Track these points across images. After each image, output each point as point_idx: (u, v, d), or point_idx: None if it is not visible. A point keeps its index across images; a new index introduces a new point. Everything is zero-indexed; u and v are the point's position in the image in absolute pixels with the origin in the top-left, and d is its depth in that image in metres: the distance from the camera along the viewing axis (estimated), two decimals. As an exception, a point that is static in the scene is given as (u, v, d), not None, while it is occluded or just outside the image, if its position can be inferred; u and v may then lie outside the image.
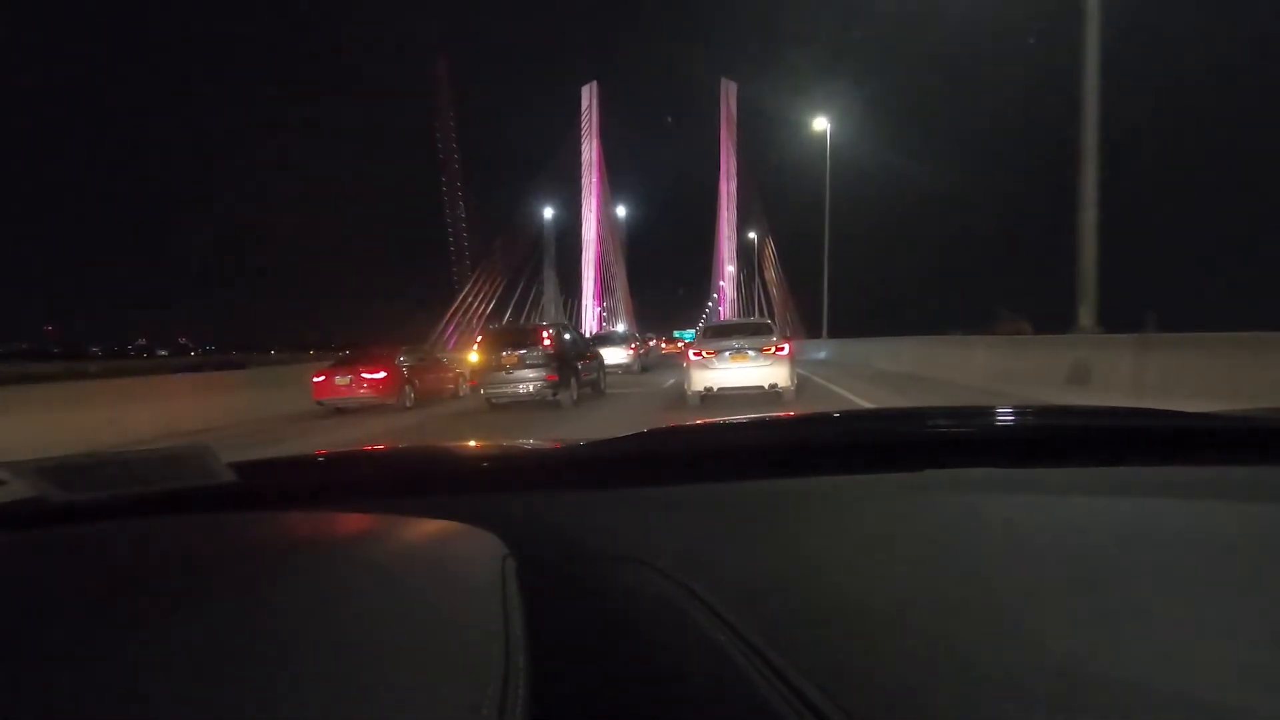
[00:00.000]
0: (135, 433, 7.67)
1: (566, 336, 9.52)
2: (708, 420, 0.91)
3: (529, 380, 8.39)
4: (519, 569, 0.49)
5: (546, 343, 8.65)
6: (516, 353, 8.51)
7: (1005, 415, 0.85)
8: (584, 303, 59.56)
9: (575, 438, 0.81)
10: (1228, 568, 0.48)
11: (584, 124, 56.07)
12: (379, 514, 0.61)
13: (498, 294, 45.29)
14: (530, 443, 0.88)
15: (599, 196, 58.77)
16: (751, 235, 53.08)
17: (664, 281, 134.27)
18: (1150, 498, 0.60)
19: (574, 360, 9.22)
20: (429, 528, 0.57)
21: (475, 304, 42.26)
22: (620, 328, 53.22)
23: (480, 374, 9.04)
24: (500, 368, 8.53)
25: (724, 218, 60.35)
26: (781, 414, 1.14)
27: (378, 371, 9.72)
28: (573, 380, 8.92)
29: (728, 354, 7.86)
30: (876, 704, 0.36)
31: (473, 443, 0.89)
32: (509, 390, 8.56)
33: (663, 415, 7.40)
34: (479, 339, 10.02)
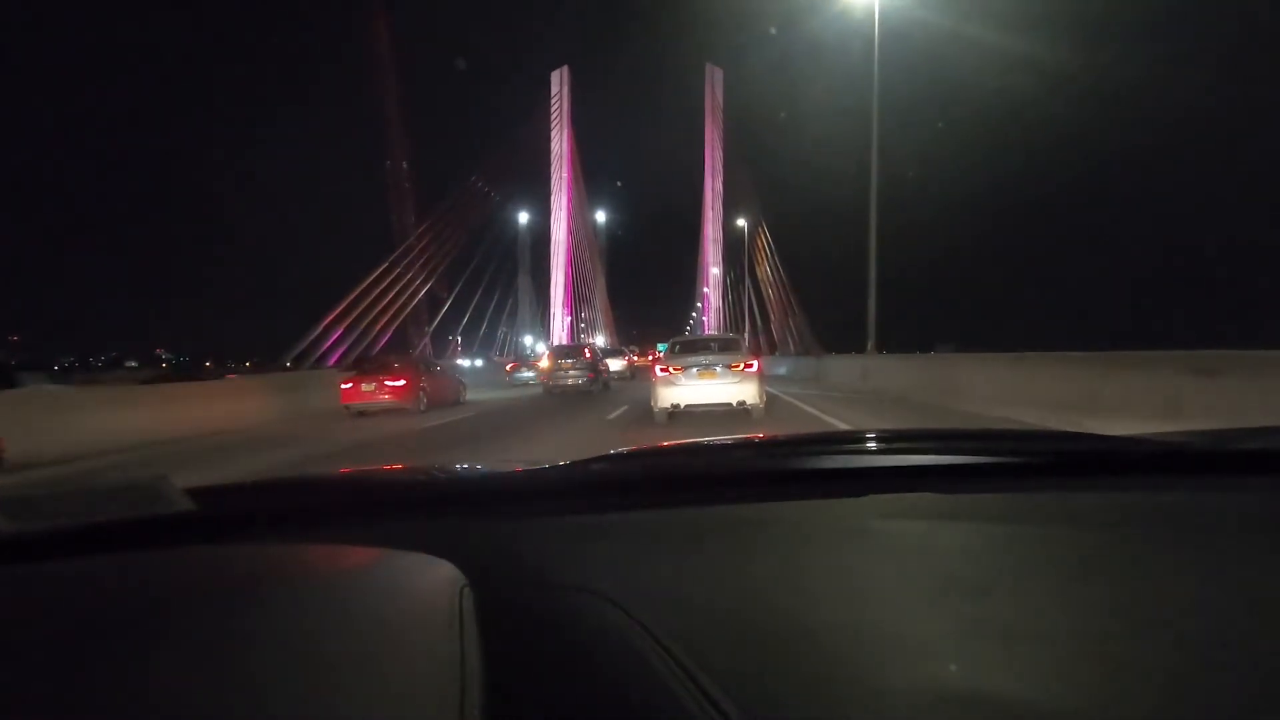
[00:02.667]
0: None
1: (597, 352, 16.82)
2: (659, 445, 0.96)
3: (577, 377, 14.58)
4: (476, 598, 0.51)
5: (588, 355, 15.28)
6: (570, 360, 14.89)
7: (946, 440, 0.91)
8: (552, 311, 55.35)
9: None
10: (1170, 591, 0.51)
11: (554, 112, 51.98)
12: (338, 544, 0.64)
13: (443, 301, 40.02)
14: (486, 467, 0.92)
15: (570, 192, 54.51)
16: (741, 223, 43.38)
17: (645, 292, 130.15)
18: (1084, 520, 0.65)
19: (600, 366, 15.55)
20: (388, 558, 0.58)
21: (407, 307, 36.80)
22: (599, 340, 53.91)
23: (548, 373, 15.09)
24: (561, 369, 14.85)
25: (708, 218, 57.52)
26: (731, 438, 1.11)
27: (399, 380, 11.61)
28: (600, 378, 15.18)
29: (695, 370, 7.97)
30: None
31: (433, 465, 0.96)
32: (565, 383, 14.58)
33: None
34: (549, 353, 17.28)
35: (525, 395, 16.15)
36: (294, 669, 0.39)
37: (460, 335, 46.36)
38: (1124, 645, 0.45)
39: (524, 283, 55.39)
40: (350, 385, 11.79)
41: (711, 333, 16.89)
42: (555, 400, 13.48)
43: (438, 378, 13.32)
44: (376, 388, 11.63)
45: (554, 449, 6.89)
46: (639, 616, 0.51)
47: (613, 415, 9.93)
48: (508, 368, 22.27)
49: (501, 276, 51.50)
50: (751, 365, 8.02)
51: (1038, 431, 0.93)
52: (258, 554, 0.63)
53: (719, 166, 55.44)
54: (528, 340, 53.36)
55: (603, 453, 0.89)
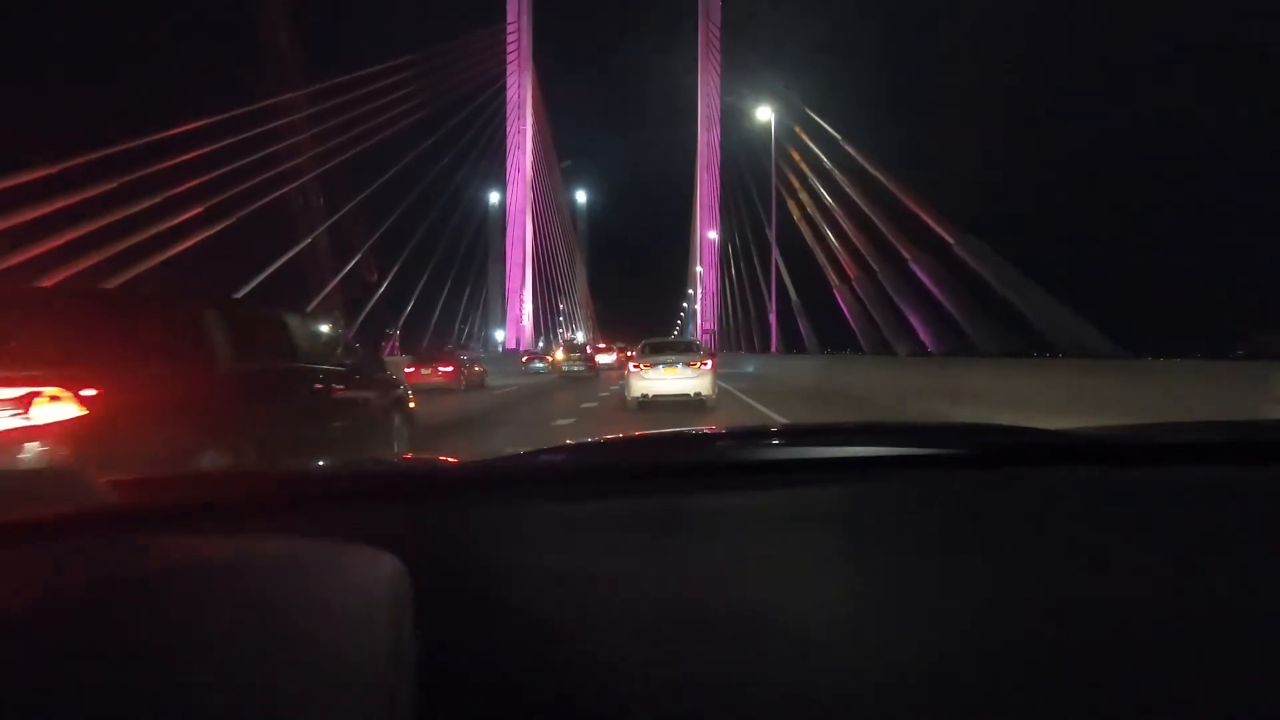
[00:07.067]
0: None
1: (595, 349, 33.55)
2: (609, 437, 1.02)
3: (580, 366, 25.70)
4: (415, 587, 0.52)
5: (589, 351, 29.82)
6: (575, 354, 27.86)
7: (893, 432, 1.00)
8: (509, 297, 49.31)
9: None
10: (1108, 572, 0.57)
11: (511, 45, 44.04)
12: (267, 535, 0.65)
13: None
14: (431, 459, 0.98)
15: (534, 149, 48.18)
16: (764, 115, 25.41)
17: (636, 283, 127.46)
18: (1027, 502, 0.71)
19: (592, 360, 27.75)
20: (317, 548, 0.59)
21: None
22: (579, 336, 55.74)
23: (562, 363, 26.61)
24: (571, 360, 26.75)
25: (703, 182, 50.80)
26: (687, 429, 1.19)
27: (449, 366, 17.12)
28: (594, 369, 26.76)
29: (660, 367, 10.00)
30: (769, 714, 0.41)
31: (372, 460, 1.03)
32: (572, 370, 25.02)
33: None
34: (561, 349, 31.99)
35: (534, 382, 22.08)
36: (217, 664, 0.39)
37: (400, 330, 39.38)
38: (1053, 624, 0.49)
39: (494, 272, 50.75)
40: (413, 369, 17.02)
41: (674, 337, 19.78)
42: (565, 381, 22.00)
43: (471, 366, 19.11)
44: (432, 372, 17.03)
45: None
46: (585, 601, 0.54)
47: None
48: (523, 359, 30.83)
49: (452, 261, 45.27)
50: (706, 364, 10.22)
51: (989, 426, 0.99)
52: (175, 544, 0.63)
53: (715, 115, 47.91)
54: (498, 335, 51.37)
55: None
